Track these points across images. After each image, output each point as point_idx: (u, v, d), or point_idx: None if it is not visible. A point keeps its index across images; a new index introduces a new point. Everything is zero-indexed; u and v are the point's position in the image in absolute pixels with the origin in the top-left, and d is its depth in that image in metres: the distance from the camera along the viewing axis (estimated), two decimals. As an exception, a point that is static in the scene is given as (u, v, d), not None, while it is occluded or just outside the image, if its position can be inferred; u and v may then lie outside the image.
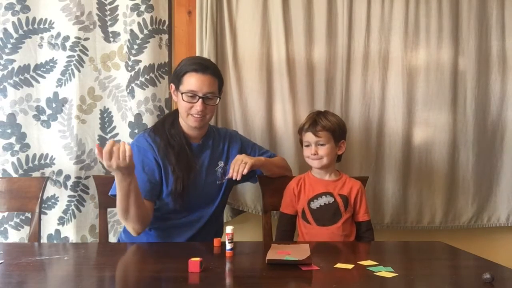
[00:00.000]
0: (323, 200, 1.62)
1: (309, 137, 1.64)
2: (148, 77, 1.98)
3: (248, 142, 1.80)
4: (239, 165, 1.54)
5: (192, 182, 1.56)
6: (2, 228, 1.93)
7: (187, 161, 1.57)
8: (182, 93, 1.54)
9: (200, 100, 1.54)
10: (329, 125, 1.63)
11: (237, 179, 1.55)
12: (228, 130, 1.83)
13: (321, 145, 1.63)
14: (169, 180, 1.55)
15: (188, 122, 1.59)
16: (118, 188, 1.38)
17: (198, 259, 1.12)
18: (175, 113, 1.67)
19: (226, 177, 1.64)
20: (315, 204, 1.62)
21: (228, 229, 1.28)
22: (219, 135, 1.72)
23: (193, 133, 1.63)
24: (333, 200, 1.62)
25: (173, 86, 1.62)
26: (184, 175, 1.53)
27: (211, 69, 1.58)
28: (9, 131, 1.93)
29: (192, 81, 1.54)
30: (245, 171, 1.53)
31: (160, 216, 1.58)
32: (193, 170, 1.57)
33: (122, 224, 1.97)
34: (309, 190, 1.65)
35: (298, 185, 1.68)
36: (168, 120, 1.65)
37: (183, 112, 1.57)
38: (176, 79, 1.58)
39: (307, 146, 1.65)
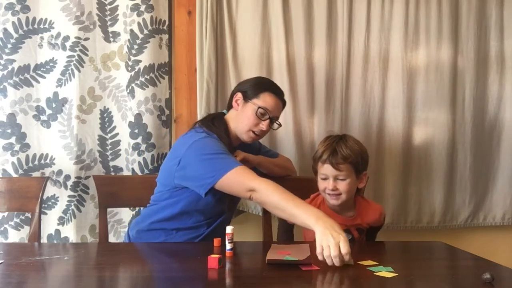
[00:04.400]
0: None
1: (327, 170, 1.42)
2: (148, 77, 1.98)
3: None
4: None
5: None
6: (2, 228, 1.93)
7: None
8: (257, 107, 1.55)
9: (268, 120, 1.57)
10: (351, 156, 1.41)
11: None
12: None
13: (341, 179, 1.43)
14: None
15: (243, 136, 1.59)
16: (298, 212, 1.29)
17: (217, 255, 1.13)
18: (221, 117, 1.65)
19: None
20: None
21: (228, 229, 1.28)
22: None
23: (236, 138, 1.63)
24: (350, 237, 1.45)
25: (240, 95, 1.60)
26: None
27: (284, 99, 1.65)
28: (9, 131, 1.93)
29: (270, 101, 1.57)
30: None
31: (202, 219, 1.55)
32: None
33: (123, 224, 1.99)
34: None
35: None
36: (217, 123, 1.61)
37: (245, 125, 1.57)
38: (252, 91, 1.58)
39: (324, 179, 1.45)
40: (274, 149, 2.02)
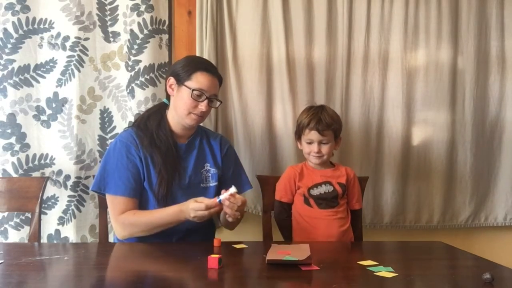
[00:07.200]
0: (323, 189, 1.68)
1: (314, 135, 1.66)
2: (148, 77, 1.98)
3: (238, 160, 1.73)
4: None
5: (177, 183, 1.53)
6: (2, 228, 1.93)
7: (173, 163, 1.53)
8: (192, 90, 1.50)
9: (206, 100, 1.53)
10: (332, 123, 1.66)
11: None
12: (223, 137, 1.75)
13: (324, 143, 1.67)
14: (151, 179, 1.51)
15: (185, 120, 1.55)
16: (170, 220, 1.44)
17: (217, 255, 1.13)
18: (161, 110, 1.62)
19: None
20: (315, 192, 1.67)
21: (232, 189, 1.34)
22: (207, 136, 1.67)
23: (182, 132, 1.60)
24: (332, 188, 1.68)
25: (172, 79, 1.56)
26: (169, 177, 1.50)
27: (218, 74, 1.60)
28: (9, 131, 1.93)
29: (203, 80, 1.52)
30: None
31: None
32: (178, 172, 1.54)
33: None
34: (308, 180, 1.69)
35: (298, 174, 1.71)
36: (153, 119, 1.59)
37: (184, 109, 1.53)
38: (183, 74, 1.53)
39: (310, 143, 1.68)
40: (274, 148, 2.03)
